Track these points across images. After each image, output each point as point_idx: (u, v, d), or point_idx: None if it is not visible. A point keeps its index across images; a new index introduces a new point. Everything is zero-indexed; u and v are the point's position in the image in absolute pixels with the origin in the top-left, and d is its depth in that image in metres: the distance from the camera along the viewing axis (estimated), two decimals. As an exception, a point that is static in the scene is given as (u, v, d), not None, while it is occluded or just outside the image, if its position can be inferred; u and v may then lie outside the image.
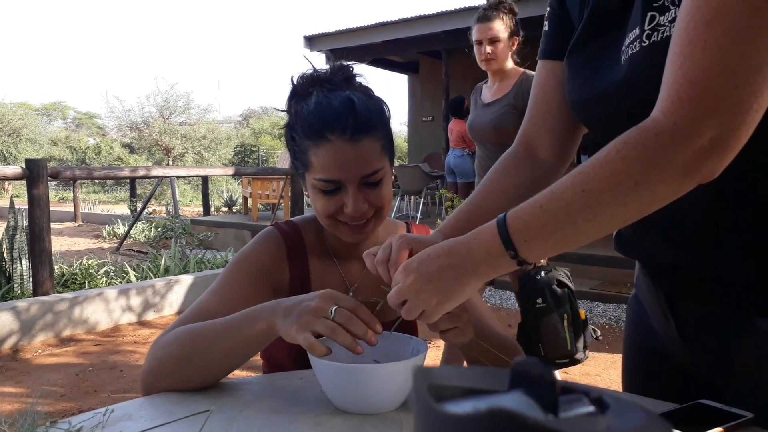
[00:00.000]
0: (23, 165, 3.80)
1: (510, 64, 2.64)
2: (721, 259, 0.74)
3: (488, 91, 2.69)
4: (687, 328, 0.82)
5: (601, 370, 3.17)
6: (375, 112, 0.96)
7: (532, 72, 2.46)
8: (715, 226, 0.73)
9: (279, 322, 0.81)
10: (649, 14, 0.67)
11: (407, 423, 0.78)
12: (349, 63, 1.01)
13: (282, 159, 9.55)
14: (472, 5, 8.53)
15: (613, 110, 0.76)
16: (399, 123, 20.28)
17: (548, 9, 0.91)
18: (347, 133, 0.91)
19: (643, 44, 0.68)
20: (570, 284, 1.91)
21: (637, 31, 0.69)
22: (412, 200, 8.60)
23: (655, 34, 0.66)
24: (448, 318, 0.84)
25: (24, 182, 3.89)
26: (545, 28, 0.92)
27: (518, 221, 0.67)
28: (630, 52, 0.70)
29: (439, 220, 5.76)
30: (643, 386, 0.95)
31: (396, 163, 4.80)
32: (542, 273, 1.87)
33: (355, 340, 0.78)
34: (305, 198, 5.81)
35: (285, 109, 1.02)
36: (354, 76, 1.00)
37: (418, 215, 7.77)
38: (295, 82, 1.00)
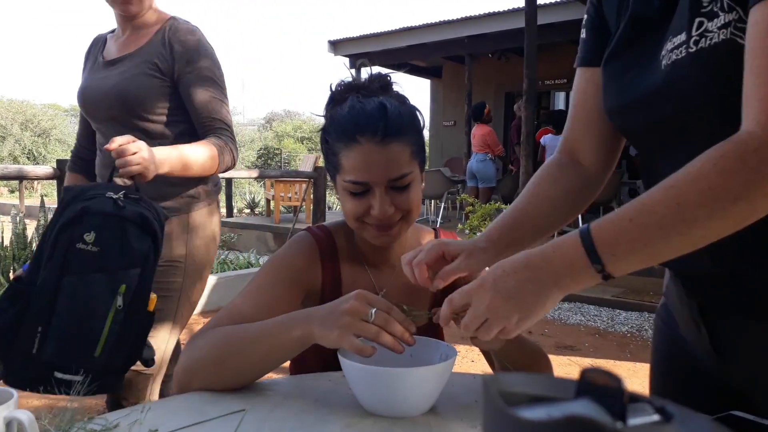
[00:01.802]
0: (54, 165, 3.88)
1: (153, 5, 1.69)
2: (755, 269, 0.73)
3: (114, 44, 1.70)
4: (719, 338, 0.81)
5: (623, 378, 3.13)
6: (407, 117, 0.98)
7: (184, 19, 1.71)
8: (750, 235, 0.72)
9: (317, 330, 0.82)
10: (697, 20, 0.66)
11: (437, 427, 0.79)
12: (385, 72, 1.03)
13: (304, 162, 9.61)
14: (496, 10, 8.51)
15: (652, 117, 0.75)
16: (420, 127, 20.20)
17: (585, 16, 0.91)
18: (377, 136, 0.93)
19: (689, 50, 0.67)
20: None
21: (683, 37, 0.68)
22: (432, 205, 8.59)
23: (703, 40, 0.66)
24: None
25: (52, 181, 3.96)
26: (582, 35, 0.92)
27: (605, 233, 0.66)
28: (674, 57, 0.69)
29: (459, 225, 5.74)
30: (672, 396, 0.93)
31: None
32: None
33: (397, 340, 0.80)
34: (327, 201, 5.83)
35: (323, 114, 1.04)
36: (390, 84, 1.02)
37: (439, 219, 7.76)
38: (333, 88, 1.02)
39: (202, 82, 1.62)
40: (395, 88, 1.03)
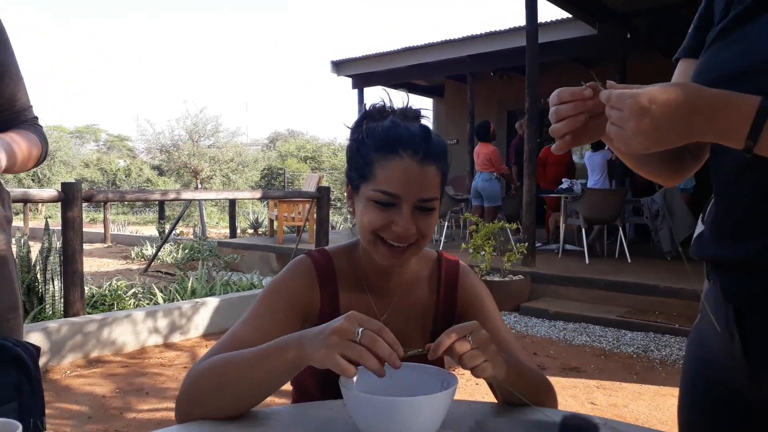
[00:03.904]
0: (59, 188, 3.90)
1: None
2: None
3: None
4: (753, 346, 0.81)
5: (629, 401, 3.09)
6: (443, 147, 1.01)
7: None
8: None
9: (307, 349, 0.82)
10: None
11: (438, 460, 0.78)
12: (418, 108, 1.07)
13: (308, 181, 9.64)
14: (497, 29, 8.58)
15: (754, 88, 0.74)
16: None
17: (700, 8, 0.96)
18: (419, 155, 0.95)
19: None
20: None
21: None
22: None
23: None
24: (476, 353, 0.84)
25: (57, 203, 3.98)
26: (691, 28, 0.96)
27: None
28: None
29: (463, 245, 5.73)
30: (705, 425, 0.93)
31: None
32: None
33: (381, 364, 0.79)
34: (330, 221, 5.83)
35: (352, 127, 1.06)
36: (421, 117, 1.06)
37: (442, 238, 7.74)
38: (368, 108, 1.06)
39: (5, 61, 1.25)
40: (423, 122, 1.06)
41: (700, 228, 0.96)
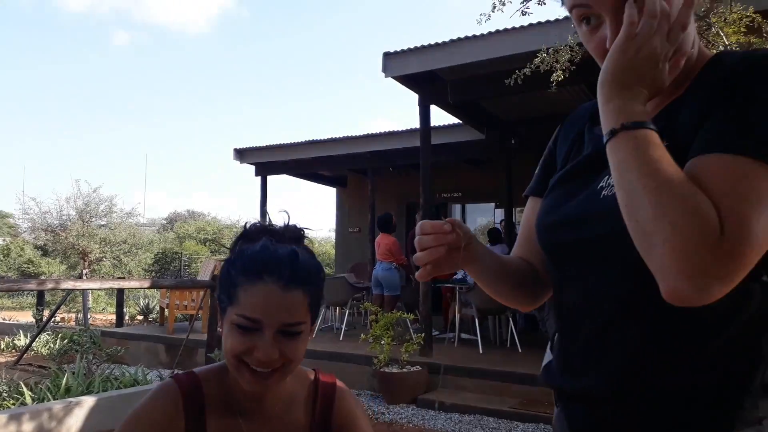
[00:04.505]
0: None
1: None
2: (629, 405, 0.80)
3: None
4: None
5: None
6: (313, 270, 1.01)
7: None
8: (640, 367, 0.80)
9: None
10: None
11: None
12: (301, 227, 1.07)
13: (204, 266, 9.35)
14: (396, 130, 9.12)
15: (585, 234, 0.85)
16: (328, 230, 20.49)
17: (544, 154, 1.08)
18: (282, 280, 0.95)
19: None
20: None
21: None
22: (337, 311, 8.54)
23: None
24: None
25: None
26: (537, 169, 1.08)
27: (634, 133, 0.74)
28: (613, 190, 0.81)
29: (363, 335, 5.74)
30: None
31: (327, 271, 4.64)
32: None
33: None
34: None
35: (229, 247, 1.06)
36: (302, 237, 1.06)
37: (343, 327, 7.70)
38: (246, 227, 1.05)
39: None
40: (306, 242, 1.06)
41: (548, 357, 1.02)
